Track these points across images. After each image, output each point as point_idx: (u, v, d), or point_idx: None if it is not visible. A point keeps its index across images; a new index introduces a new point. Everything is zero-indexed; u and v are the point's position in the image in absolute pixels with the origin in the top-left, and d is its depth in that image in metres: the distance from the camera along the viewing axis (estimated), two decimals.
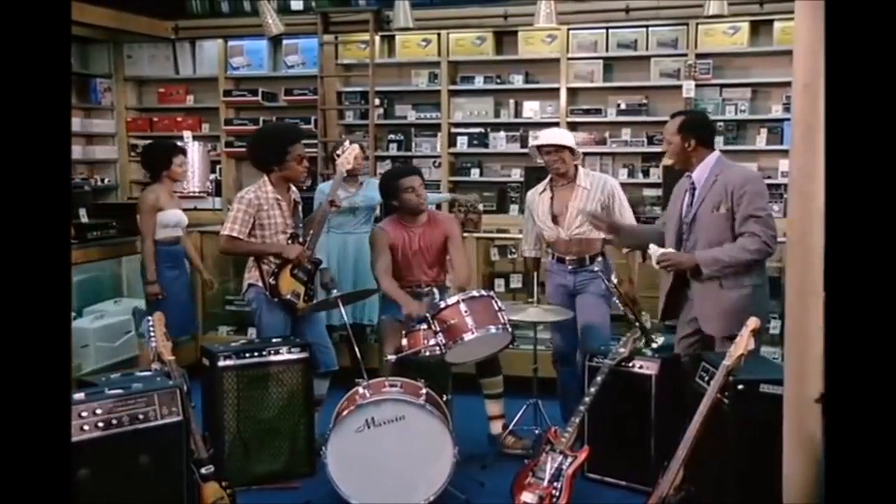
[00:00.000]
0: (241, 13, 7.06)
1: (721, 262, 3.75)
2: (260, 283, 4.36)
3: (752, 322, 3.33)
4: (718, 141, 6.25)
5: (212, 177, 6.98)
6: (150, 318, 3.74)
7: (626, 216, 4.58)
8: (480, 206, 6.20)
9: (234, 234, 4.27)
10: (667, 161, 5.24)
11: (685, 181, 3.99)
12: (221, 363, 4.09)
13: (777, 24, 6.15)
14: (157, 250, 5.07)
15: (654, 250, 3.87)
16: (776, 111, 6.20)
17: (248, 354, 4.15)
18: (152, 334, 3.65)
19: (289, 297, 4.35)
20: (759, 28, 6.30)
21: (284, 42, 7.19)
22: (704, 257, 3.77)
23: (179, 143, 5.71)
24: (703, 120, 4.12)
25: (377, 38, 6.91)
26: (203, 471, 3.44)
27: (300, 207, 4.59)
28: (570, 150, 4.49)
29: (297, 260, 4.36)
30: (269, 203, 4.33)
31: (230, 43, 7.29)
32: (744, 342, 3.30)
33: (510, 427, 4.59)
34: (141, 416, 3.19)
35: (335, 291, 4.32)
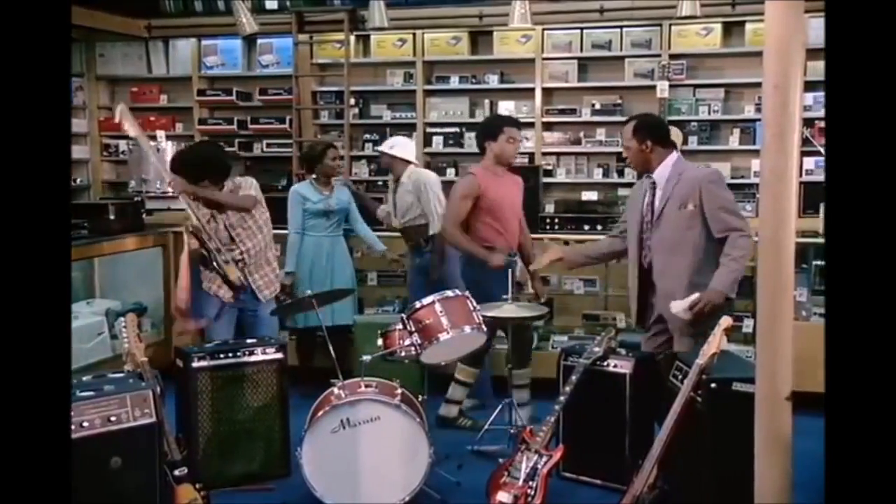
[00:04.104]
0: (215, 12, 7.00)
1: (735, 276, 3.75)
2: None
3: (725, 321, 3.36)
4: (692, 141, 6.32)
5: None
6: (122, 318, 3.72)
7: (429, 210, 5.13)
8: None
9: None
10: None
11: (644, 182, 4.08)
12: (195, 364, 4.05)
13: (749, 26, 6.22)
14: None
15: (678, 305, 3.77)
16: (749, 111, 6.26)
17: (222, 355, 4.13)
18: (125, 335, 3.62)
19: (238, 283, 4.43)
20: (732, 29, 6.36)
21: (259, 41, 7.15)
22: (724, 283, 3.73)
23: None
24: (656, 121, 4.22)
25: (352, 38, 6.89)
26: (177, 472, 3.41)
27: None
28: None
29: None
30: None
31: (204, 42, 7.24)
32: (716, 341, 3.32)
33: (486, 427, 4.58)
34: (113, 419, 3.16)
35: (309, 291, 4.30)
